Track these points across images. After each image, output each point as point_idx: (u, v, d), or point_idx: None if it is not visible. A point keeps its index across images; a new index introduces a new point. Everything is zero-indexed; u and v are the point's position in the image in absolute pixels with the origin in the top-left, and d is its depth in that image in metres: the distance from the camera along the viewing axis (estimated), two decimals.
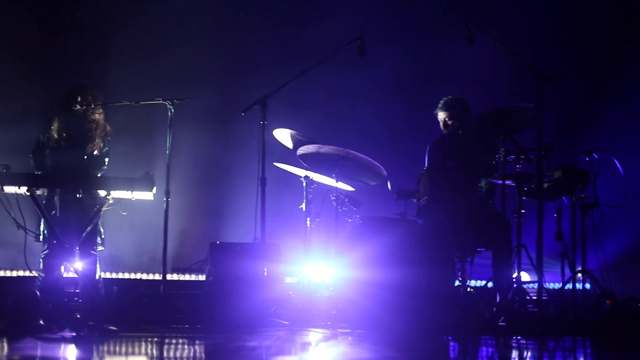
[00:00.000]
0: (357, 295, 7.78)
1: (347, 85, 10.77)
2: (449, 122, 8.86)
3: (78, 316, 6.93)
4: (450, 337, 7.36)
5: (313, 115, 10.44)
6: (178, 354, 6.29)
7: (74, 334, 6.90)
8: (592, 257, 8.43)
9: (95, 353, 6.25)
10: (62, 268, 8.26)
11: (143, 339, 7.03)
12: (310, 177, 8.95)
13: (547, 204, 8.53)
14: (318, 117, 10.47)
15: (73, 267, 7.87)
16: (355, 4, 10.89)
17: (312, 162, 8.65)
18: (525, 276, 8.74)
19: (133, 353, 6.26)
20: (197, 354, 6.34)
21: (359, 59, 8.48)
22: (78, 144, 8.50)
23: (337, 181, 8.60)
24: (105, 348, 6.41)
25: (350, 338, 7.27)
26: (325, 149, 8.40)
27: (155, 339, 7.06)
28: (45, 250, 8.34)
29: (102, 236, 8.47)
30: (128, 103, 8.75)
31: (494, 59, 9.92)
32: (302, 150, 8.49)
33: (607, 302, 8.00)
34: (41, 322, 7.09)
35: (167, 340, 7.03)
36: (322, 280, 8.74)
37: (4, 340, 6.62)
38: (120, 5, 10.75)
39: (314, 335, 7.43)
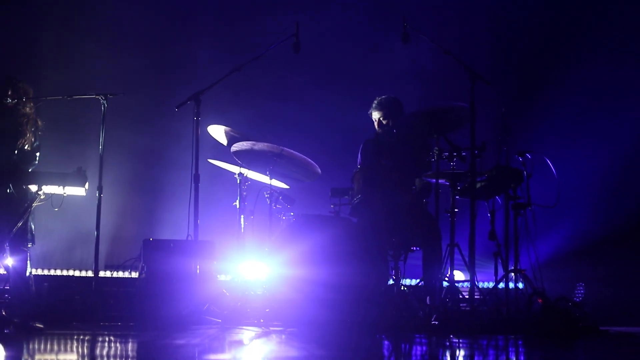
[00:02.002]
0: (290, 293, 7.79)
1: (282, 82, 10.76)
2: (384, 122, 8.87)
3: (3, 313, 6.79)
4: (383, 336, 7.36)
5: (247, 112, 10.42)
6: (103, 352, 6.19)
7: None
8: (525, 257, 8.48)
9: (18, 351, 6.13)
10: None
11: (69, 337, 6.92)
12: (245, 174, 8.91)
13: (481, 203, 8.57)
14: (252, 114, 10.46)
15: (3, 264, 7.72)
16: (292, 1, 10.87)
17: (246, 159, 8.61)
18: (458, 275, 8.79)
19: (57, 351, 6.15)
20: (122, 352, 6.25)
21: (294, 56, 8.48)
22: (8, 138, 8.34)
23: (271, 178, 8.57)
24: (30, 346, 6.30)
25: (282, 336, 7.23)
26: (260, 146, 8.36)
27: (82, 337, 6.95)
28: None
29: (33, 232, 8.33)
30: (61, 97, 8.63)
31: (429, 58, 9.97)
32: (236, 147, 8.45)
33: (539, 300, 8.08)
34: None
35: (93, 338, 6.93)
36: (256, 278, 8.69)
37: None
38: None
39: (245, 334, 7.38)
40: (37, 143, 8.48)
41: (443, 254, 8.25)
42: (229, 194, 9.16)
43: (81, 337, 6.96)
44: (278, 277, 7.95)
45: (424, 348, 6.86)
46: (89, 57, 10.49)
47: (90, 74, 10.29)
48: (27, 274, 8.30)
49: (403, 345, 6.98)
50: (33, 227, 8.33)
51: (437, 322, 7.61)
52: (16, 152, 8.33)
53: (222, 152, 9.04)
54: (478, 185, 8.22)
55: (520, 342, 7.23)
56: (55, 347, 6.29)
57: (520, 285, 8.62)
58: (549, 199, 8.50)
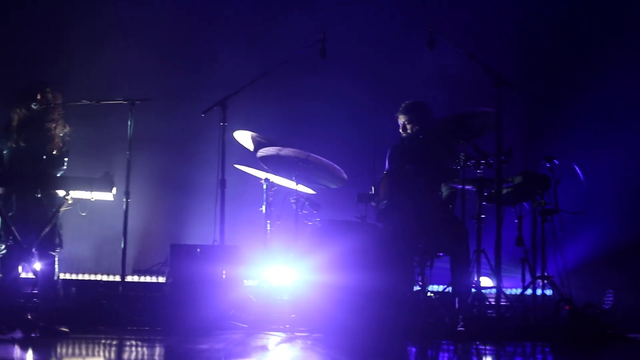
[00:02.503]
0: (316, 298, 7.75)
1: (309, 87, 10.73)
2: (408, 126, 8.83)
3: (29, 317, 6.83)
4: (409, 342, 7.34)
5: (274, 118, 10.41)
6: (125, 356, 6.23)
7: (23, 335, 6.80)
8: (552, 263, 8.44)
9: (44, 355, 6.18)
10: (20, 269, 8.23)
11: (94, 341, 6.95)
12: (271, 180, 8.92)
13: (509, 209, 8.54)
14: (279, 119, 10.44)
15: (31, 268, 7.76)
16: (319, 6, 10.86)
17: (272, 164, 8.62)
18: (486, 281, 8.75)
19: (82, 355, 6.19)
20: (144, 356, 6.28)
21: (321, 61, 8.49)
22: (37, 143, 8.41)
23: (297, 184, 8.56)
24: (55, 350, 6.34)
25: (306, 342, 7.24)
26: (286, 151, 8.36)
27: (107, 341, 7.00)
28: (3, 250, 8.25)
29: (61, 237, 8.39)
30: (89, 103, 8.69)
31: (455, 63, 9.93)
32: (262, 152, 8.46)
33: (566, 307, 8.03)
34: None
35: (117, 342, 6.97)
36: (282, 284, 8.68)
37: None
38: (78, 5, 10.66)
39: (270, 339, 7.40)
40: (66, 148, 8.54)
41: (471, 260, 8.23)
42: (255, 199, 9.17)
43: (106, 341, 7.01)
44: (304, 282, 7.93)
45: (450, 355, 6.84)
46: (116, 63, 10.52)
47: (118, 79, 10.32)
48: (55, 278, 8.36)
49: (429, 351, 6.97)
50: (61, 231, 8.40)
51: (463, 329, 7.58)
52: (44, 157, 8.39)
53: (249, 158, 9.04)
54: (505, 191, 8.19)
55: (547, 349, 7.20)
56: (80, 351, 6.33)
57: (548, 291, 8.55)
58: (576, 206, 8.44)
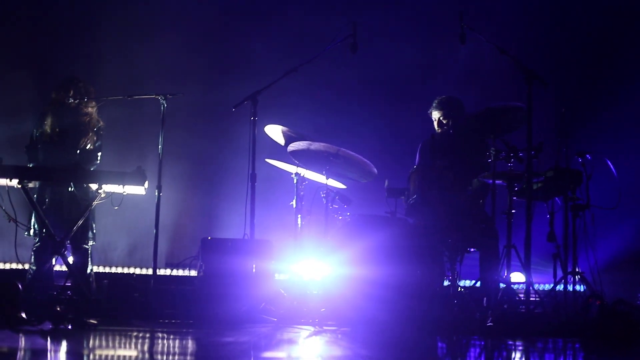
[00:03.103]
0: (346, 292, 7.76)
1: (339, 81, 10.71)
2: (444, 121, 8.81)
3: (58, 309, 6.90)
4: (438, 337, 7.33)
5: (304, 112, 10.41)
6: (149, 348, 6.28)
7: (53, 327, 6.87)
8: (584, 259, 8.39)
9: (72, 346, 6.24)
10: (53, 261, 8.32)
11: (121, 333, 7.01)
12: (302, 174, 8.94)
13: (540, 204, 8.49)
14: (309, 114, 10.43)
15: (64, 261, 7.84)
16: (349, 0, 10.86)
17: (303, 158, 8.62)
18: (517, 277, 8.72)
19: (107, 347, 6.24)
20: (165, 348, 6.33)
21: (351, 56, 8.51)
22: (71, 137, 8.52)
23: (327, 178, 8.58)
24: (83, 341, 6.39)
25: (335, 335, 7.24)
26: (316, 145, 8.37)
27: (134, 333, 7.05)
28: (37, 243, 8.36)
29: (94, 230, 8.49)
30: (121, 97, 8.78)
31: (486, 58, 9.88)
32: (292, 146, 8.46)
33: (597, 303, 7.97)
34: (22, 314, 7.07)
35: (143, 335, 7.02)
36: (313, 278, 8.70)
37: None
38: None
39: (297, 333, 7.40)
40: (99, 142, 8.64)
41: (500, 255, 8.21)
42: (286, 193, 9.18)
43: (134, 333, 7.05)
44: (334, 276, 7.95)
45: (480, 350, 6.83)
46: (149, 58, 10.58)
47: (151, 74, 10.38)
48: (88, 271, 8.47)
49: (458, 346, 6.96)
50: (94, 225, 8.49)
51: (493, 324, 7.56)
52: (78, 151, 8.50)
53: (280, 152, 9.07)
54: (535, 186, 8.14)
55: (577, 346, 7.16)
56: (108, 344, 6.38)
57: (579, 287, 8.51)
58: (608, 201, 8.38)
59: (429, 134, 8.86)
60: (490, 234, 8.32)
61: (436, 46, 10.75)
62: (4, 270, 9.78)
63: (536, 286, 8.58)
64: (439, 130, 8.85)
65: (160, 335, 7.06)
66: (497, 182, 8.04)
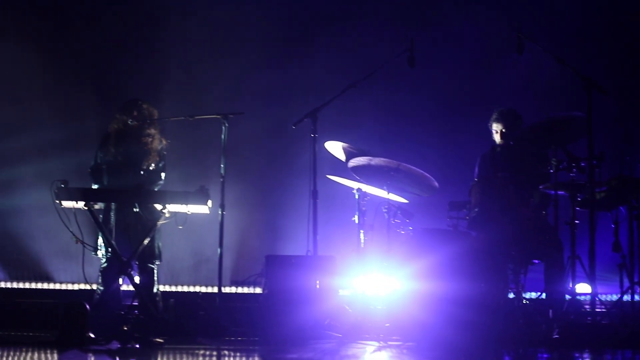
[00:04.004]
0: (410, 307, 7.75)
1: (398, 96, 10.70)
2: (503, 132, 8.77)
3: (125, 328, 6.99)
4: (503, 350, 7.29)
5: (364, 128, 10.42)
6: None
7: (120, 346, 6.97)
8: None
9: None
10: (120, 281, 8.44)
11: (188, 351, 7.07)
12: (363, 189, 8.95)
13: (604, 214, 8.41)
14: (369, 129, 10.43)
15: (131, 280, 7.94)
16: (405, 15, 10.84)
17: (363, 174, 8.63)
18: (583, 288, 8.63)
19: None
20: None
21: (409, 70, 8.51)
22: (134, 159, 8.64)
23: (388, 193, 8.58)
24: None
25: (401, 350, 7.24)
26: (376, 161, 8.39)
27: (201, 351, 7.11)
28: (104, 264, 8.49)
29: (160, 250, 8.59)
30: (183, 118, 8.87)
31: (545, 68, 9.80)
32: (353, 162, 8.49)
33: None
34: (90, 334, 7.18)
35: (210, 352, 7.09)
36: (377, 293, 8.69)
37: (54, 351, 6.73)
38: (172, 22, 10.86)
39: (361, 348, 7.42)
40: (162, 163, 8.75)
41: (565, 266, 8.13)
42: (348, 209, 9.20)
43: (198, 351, 7.12)
44: (398, 291, 7.96)
45: None
46: (209, 77, 10.70)
47: (212, 94, 10.52)
48: (155, 290, 8.56)
49: (524, 359, 6.92)
50: (160, 244, 8.59)
51: (559, 336, 7.49)
52: (142, 172, 8.61)
53: (340, 168, 9.10)
54: (598, 196, 8.05)
55: None
56: None
57: None
58: None
59: (489, 147, 8.85)
60: (554, 245, 8.25)
61: (493, 58, 10.68)
62: (72, 290, 9.93)
63: (602, 297, 8.46)
64: (501, 142, 8.81)
65: (226, 352, 7.14)
66: (559, 192, 7.99)
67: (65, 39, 10.95)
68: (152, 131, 8.75)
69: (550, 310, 7.94)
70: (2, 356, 6.51)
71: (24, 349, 6.83)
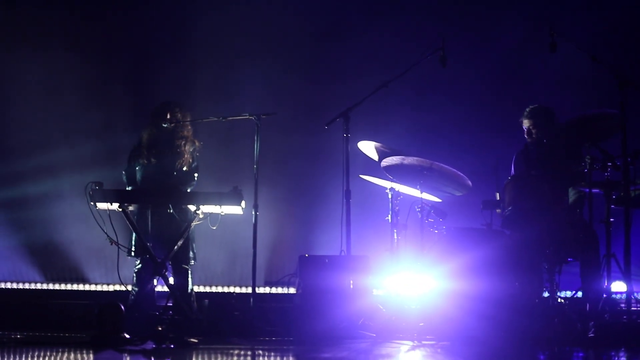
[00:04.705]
0: (444, 306, 7.75)
1: (430, 95, 10.66)
2: (533, 131, 8.72)
3: (160, 329, 7.02)
4: (538, 349, 7.25)
5: (396, 127, 10.38)
6: None
7: (155, 346, 7.00)
8: None
9: None
10: (155, 282, 8.49)
11: (222, 351, 7.09)
12: (396, 189, 8.94)
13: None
14: (401, 129, 10.39)
15: (165, 281, 7.98)
16: (437, 13, 10.80)
17: (396, 173, 8.62)
18: (618, 286, 8.57)
19: None
20: None
21: (441, 69, 8.50)
22: (168, 160, 8.70)
23: (422, 192, 8.56)
24: None
25: (435, 350, 7.22)
26: (409, 160, 8.38)
27: (235, 351, 7.12)
28: (138, 265, 8.55)
29: (194, 250, 8.64)
30: (215, 119, 8.89)
31: (578, 65, 9.73)
32: (386, 162, 8.48)
33: None
34: (126, 334, 7.22)
35: (244, 353, 7.09)
36: (411, 292, 8.67)
37: (89, 352, 6.78)
38: (203, 21, 10.86)
39: (395, 348, 7.40)
40: (195, 164, 8.79)
41: (600, 265, 8.08)
42: (381, 208, 9.21)
43: (233, 351, 7.13)
44: (432, 290, 7.95)
45: None
46: (241, 78, 10.72)
47: (244, 95, 10.53)
48: (189, 290, 8.61)
49: (559, 358, 6.88)
50: (194, 245, 8.63)
51: (594, 335, 7.44)
52: (175, 173, 8.65)
53: (373, 168, 9.09)
54: (633, 193, 8.00)
55: None
56: None
57: None
58: None
59: (523, 145, 8.81)
60: (590, 243, 8.18)
61: (527, 55, 10.61)
62: (107, 292, 10.01)
63: (638, 295, 8.40)
64: (528, 139, 8.77)
65: (260, 352, 7.15)
66: (593, 190, 7.93)
67: (96, 36, 11.01)
68: (185, 133, 8.80)
69: (587, 309, 7.88)
70: (38, 356, 6.57)
71: (59, 350, 6.87)
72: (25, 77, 10.74)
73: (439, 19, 10.71)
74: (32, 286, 10.27)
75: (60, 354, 6.65)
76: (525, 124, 8.76)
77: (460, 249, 7.93)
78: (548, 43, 8.11)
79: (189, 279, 8.63)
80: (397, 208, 8.96)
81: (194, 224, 8.02)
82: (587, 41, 8.50)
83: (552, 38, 8.07)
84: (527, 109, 8.77)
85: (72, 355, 6.54)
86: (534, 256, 7.88)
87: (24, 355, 6.60)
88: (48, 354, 6.71)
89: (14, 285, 10.26)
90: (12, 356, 6.52)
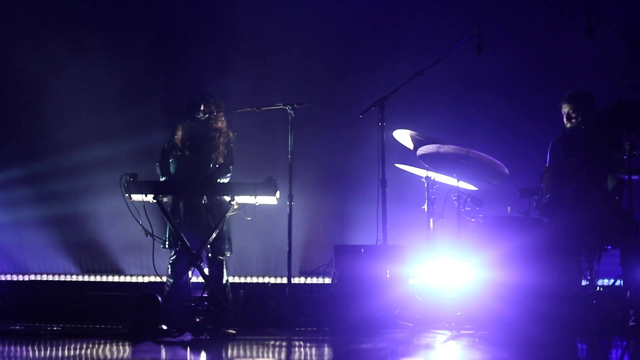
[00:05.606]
0: (482, 295, 7.70)
1: (465, 83, 10.56)
2: (573, 115, 8.59)
3: (197, 320, 7.01)
4: (577, 338, 7.18)
5: (432, 115, 10.31)
6: (289, 356, 6.33)
7: (193, 337, 6.99)
8: None
9: (214, 356, 6.35)
10: (190, 273, 8.48)
11: (260, 342, 7.07)
12: (432, 178, 8.89)
13: None
14: (437, 117, 10.32)
15: (201, 272, 7.96)
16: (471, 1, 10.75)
17: (432, 162, 8.57)
18: None
19: (249, 356, 6.32)
20: (305, 356, 6.37)
21: (475, 56, 8.42)
22: (202, 152, 8.70)
23: (458, 181, 8.50)
24: (224, 351, 6.49)
25: (473, 339, 7.17)
26: (445, 148, 8.32)
27: (272, 342, 7.11)
28: (173, 256, 8.55)
29: (229, 241, 8.63)
30: (249, 109, 8.88)
31: (617, 50, 9.63)
32: (421, 150, 8.42)
33: None
34: (163, 326, 7.21)
35: (283, 343, 7.07)
36: (447, 282, 8.62)
37: (126, 344, 6.78)
38: (236, 12, 10.83)
39: (434, 337, 7.37)
40: (230, 155, 8.77)
41: None
42: (417, 197, 9.16)
43: (272, 342, 7.11)
44: (469, 279, 7.90)
45: (620, 351, 6.66)
46: (275, 67, 10.69)
47: (278, 85, 10.49)
48: (224, 281, 8.60)
49: (599, 347, 6.80)
50: (229, 236, 8.62)
51: (635, 324, 7.36)
52: (210, 164, 8.64)
53: (409, 156, 9.03)
54: None
55: None
56: (249, 353, 6.46)
57: None
58: None
59: (560, 132, 8.71)
60: (630, 230, 8.06)
61: (564, 40, 10.50)
62: (142, 283, 10.03)
63: None
64: (568, 125, 8.66)
65: (297, 343, 7.12)
66: (633, 177, 7.83)
67: (132, 27, 11.00)
68: (219, 125, 8.79)
69: (627, 297, 7.79)
70: (76, 348, 6.58)
71: (97, 341, 6.88)
72: (61, 74, 10.73)
73: (474, 5, 10.62)
74: (68, 278, 10.32)
75: (98, 345, 6.65)
76: (565, 108, 8.64)
77: (498, 237, 7.86)
78: (584, 28, 8.04)
79: (224, 270, 8.62)
80: (433, 197, 8.91)
81: (229, 214, 7.97)
82: (624, 26, 8.39)
83: (590, 22, 7.98)
84: (567, 94, 8.66)
85: (111, 347, 6.55)
86: (572, 244, 7.79)
87: (62, 347, 6.61)
88: (86, 345, 6.72)
89: (50, 278, 10.31)
90: (50, 348, 6.53)
